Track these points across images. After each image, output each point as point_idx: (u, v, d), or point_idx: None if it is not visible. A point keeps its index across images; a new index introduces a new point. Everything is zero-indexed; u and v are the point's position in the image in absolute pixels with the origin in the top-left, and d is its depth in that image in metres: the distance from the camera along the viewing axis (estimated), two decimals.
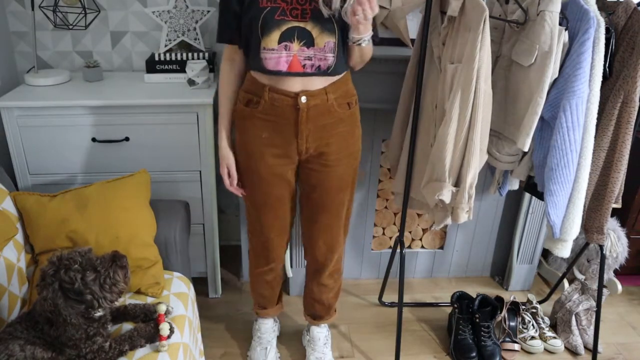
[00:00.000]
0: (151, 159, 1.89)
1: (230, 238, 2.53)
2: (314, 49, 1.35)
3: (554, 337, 2.03)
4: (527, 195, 2.16)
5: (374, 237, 2.30)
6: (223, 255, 2.11)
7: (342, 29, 1.37)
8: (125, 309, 1.42)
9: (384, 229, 2.30)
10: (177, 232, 1.66)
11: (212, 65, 2.01)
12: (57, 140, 1.82)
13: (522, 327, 2.05)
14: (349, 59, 1.46)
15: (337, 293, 1.87)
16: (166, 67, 2.00)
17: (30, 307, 1.39)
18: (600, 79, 1.48)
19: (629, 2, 1.51)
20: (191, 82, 1.92)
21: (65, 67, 2.17)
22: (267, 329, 1.92)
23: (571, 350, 2.02)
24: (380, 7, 1.82)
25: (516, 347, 1.99)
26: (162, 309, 1.41)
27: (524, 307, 2.11)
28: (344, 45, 1.41)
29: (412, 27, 1.86)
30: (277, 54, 1.35)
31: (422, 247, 2.36)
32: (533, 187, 1.74)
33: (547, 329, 2.07)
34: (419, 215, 2.27)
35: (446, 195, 1.59)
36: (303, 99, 1.39)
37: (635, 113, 1.54)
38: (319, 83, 1.41)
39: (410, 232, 2.31)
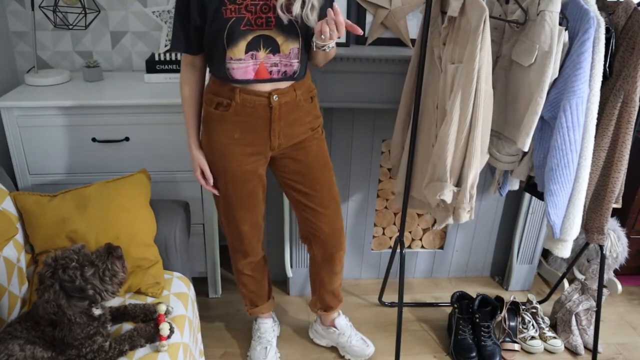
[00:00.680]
0: (151, 159, 1.89)
1: None
2: (280, 56, 1.38)
3: (554, 337, 2.03)
4: (527, 195, 2.16)
5: (374, 237, 2.30)
6: (223, 255, 2.10)
7: (305, 34, 1.40)
8: (125, 309, 1.42)
9: (384, 229, 2.30)
10: (177, 232, 1.66)
11: None
12: (57, 140, 1.82)
13: (522, 327, 2.05)
14: (313, 60, 1.51)
15: (341, 281, 1.90)
16: (166, 67, 2.00)
17: (30, 307, 1.39)
18: (600, 79, 1.48)
19: (629, 2, 1.51)
20: None
21: (65, 67, 2.17)
22: (267, 328, 1.92)
23: (571, 350, 2.02)
24: (380, 7, 1.82)
25: (516, 347, 1.99)
26: (162, 309, 1.41)
27: (524, 307, 2.11)
28: (307, 49, 1.44)
29: (412, 27, 1.86)
30: (245, 63, 1.37)
31: (422, 247, 2.36)
32: (533, 187, 1.74)
33: (547, 329, 2.07)
34: (419, 215, 2.27)
35: (447, 195, 1.59)
36: (275, 97, 1.43)
37: (635, 113, 1.54)
38: (286, 84, 1.45)
39: (410, 232, 2.31)
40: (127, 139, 1.85)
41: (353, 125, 2.03)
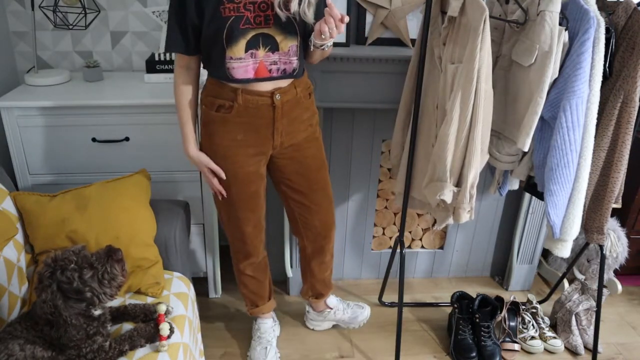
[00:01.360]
0: (151, 159, 1.89)
1: None
2: (279, 54, 1.39)
3: (554, 337, 2.03)
4: (527, 195, 2.16)
5: (374, 237, 2.30)
6: (223, 255, 2.11)
7: (303, 31, 1.40)
8: (125, 309, 1.42)
9: (384, 229, 2.30)
10: (177, 232, 1.66)
11: None
12: (57, 140, 1.82)
13: (522, 327, 2.05)
14: (309, 59, 1.51)
15: (332, 269, 1.95)
16: (166, 67, 2.00)
17: (30, 307, 1.39)
18: (600, 79, 1.48)
19: (629, 2, 1.51)
20: None
21: (65, 67, 2.17)
22: (267, 328, 1.92)
23: (571, 350, 2.02)
24: (380, 7, 1.82)
25: (516, 347, 1.99)
26: (162, 309, 1.41)
27: (524, 307, 2.11)
28: (305, 46, 1.44)
29: (412, 27, 1.86)
30: (245, 62, 1.37)
31: (422, 247, 2.36)
32: (533, 187, 1.74)
33: (547, 329, 2.07)
34: (419, 215, 2.27)
35: (447, 195, 1.59)
36: (278, 96, 1.43)
37: (635, 113, 1.54)
38: (286, 81, 1.45)
39: (410, 232, 2.31)
40: (127, 139, 1.85)
41: (353, 125, 2.03)
